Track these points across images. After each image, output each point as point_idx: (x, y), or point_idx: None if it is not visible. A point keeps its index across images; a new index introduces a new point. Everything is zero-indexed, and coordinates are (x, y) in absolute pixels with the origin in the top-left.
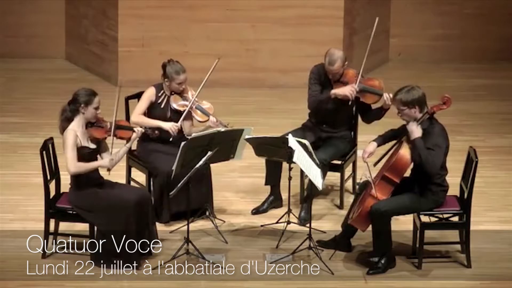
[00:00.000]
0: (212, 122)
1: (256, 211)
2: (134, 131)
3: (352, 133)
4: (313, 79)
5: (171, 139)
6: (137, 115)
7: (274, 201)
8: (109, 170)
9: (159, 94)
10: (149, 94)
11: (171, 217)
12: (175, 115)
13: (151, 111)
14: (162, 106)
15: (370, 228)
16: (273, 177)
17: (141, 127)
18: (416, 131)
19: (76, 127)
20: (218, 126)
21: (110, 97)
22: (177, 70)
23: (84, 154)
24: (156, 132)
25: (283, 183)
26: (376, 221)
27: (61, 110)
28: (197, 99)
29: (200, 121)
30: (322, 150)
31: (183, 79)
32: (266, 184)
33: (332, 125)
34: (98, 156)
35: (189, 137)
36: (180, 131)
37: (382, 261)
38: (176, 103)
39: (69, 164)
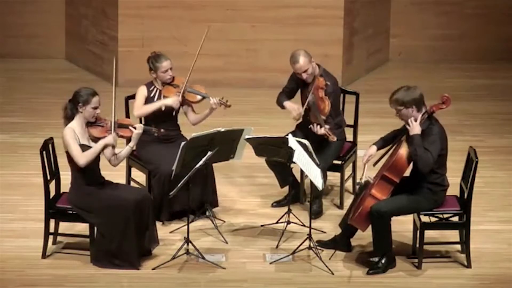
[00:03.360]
0: (214, 104)
1: (277, 205)
2: (135, 127)
3: (344, 130)
4: (292, 76)
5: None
6: (139, 107)
7: (296, 195)
8: (113, 147)
9: (150, 89)
10: (142, 92)
11: (171, 216)
12: (170, 106)
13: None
14: (155, 99)
15: (370, 228)
16: (284, 178)
17: (145, 124)
18: (416, 127)
19: (75, 125)
20: (219, 106)
21: (110, 97)
22: (159, 59)
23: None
24: (162, 130)
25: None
26: (376, 221)
27: (63, 107)
28: (189, 84)
29: (195, 102)
30: (318, 156)
31: (167, 65)
32: (282, 187)
33: (318, 125)
34: (101, 154)
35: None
36: (176, 128)
37: (382, 261)
38: (170, 94)
39: (77, 159)
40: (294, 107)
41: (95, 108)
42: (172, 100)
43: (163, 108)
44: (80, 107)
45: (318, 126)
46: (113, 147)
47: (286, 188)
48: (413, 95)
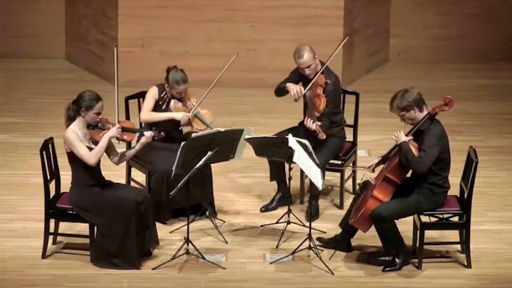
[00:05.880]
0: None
1: (265, 209)
2: (142, 134)
3: (344, 128)
4: (295, 70)
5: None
6: (146, 112)
7: (283, 198)
8: (117, 138)
9: (162, 95)
10: (153, 93)
11: (170, 216)
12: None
13: (152, 110)
14: (163, 107)
15: (372, 228)
16: (277, 173)
17: (151, 129)
18: (401, 137)
19: (76, 127)
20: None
21: (111, 97)
22: (177, 80)
23: None
24: (162, 133)
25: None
26: (378, 226)
27: (66, 107)
28: (199, 107)
29: (197, 129)
30: (316, 153)
31: (182, 89)
32: (271, 180)
33: (311, 120)
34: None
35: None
36: (178, 130)
37: (398, 259)
38: (177, 108)
39: (86, 158)
40: (294, 86)
41: (98, 113)
42: (181, 116)
43: (175, 117)
44: (83, 111)
45: (311, 121)
46: (117, 138)
47: (274, 190)
48: (410, 97)
